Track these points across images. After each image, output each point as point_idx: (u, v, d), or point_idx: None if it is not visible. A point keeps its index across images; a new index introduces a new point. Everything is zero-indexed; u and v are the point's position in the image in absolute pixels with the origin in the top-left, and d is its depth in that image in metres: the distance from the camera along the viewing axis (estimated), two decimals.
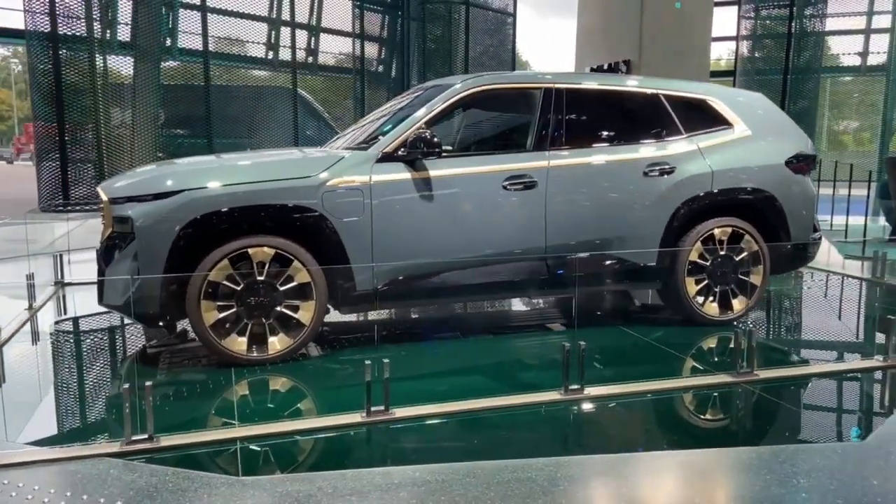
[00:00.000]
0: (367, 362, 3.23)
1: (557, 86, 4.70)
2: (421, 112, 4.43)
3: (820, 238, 5.38)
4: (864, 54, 13.67)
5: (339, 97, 12.63)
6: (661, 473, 2.80)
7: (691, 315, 4.93)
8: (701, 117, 5.03)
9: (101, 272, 4.13)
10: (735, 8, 11.53)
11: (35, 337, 4.86)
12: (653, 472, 2.82)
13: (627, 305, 5.86)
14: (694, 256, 4.86)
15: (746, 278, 4.99)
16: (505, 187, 4.44)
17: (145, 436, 2.95)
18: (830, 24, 11.38)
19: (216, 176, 4.06)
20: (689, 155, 4.87)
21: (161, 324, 4.40)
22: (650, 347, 4.56)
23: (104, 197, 4.09)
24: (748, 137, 5.05)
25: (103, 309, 4.32)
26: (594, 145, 4.74)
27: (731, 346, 4.53)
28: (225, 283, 3.95)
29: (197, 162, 4.40)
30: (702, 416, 3.58)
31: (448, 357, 4.47)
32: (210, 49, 9.90)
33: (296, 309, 4.10)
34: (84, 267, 7.06)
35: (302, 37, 11.78)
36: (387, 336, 4.85)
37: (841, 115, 15.72)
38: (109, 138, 8.19)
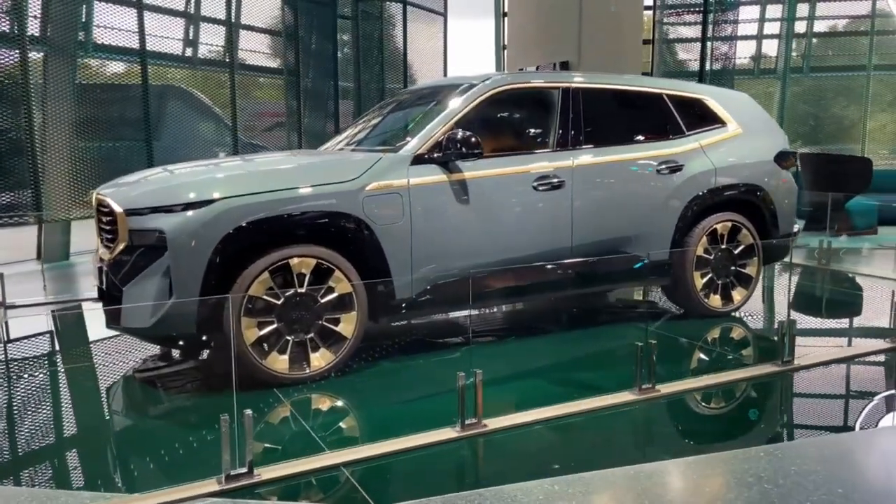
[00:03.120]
0: (461, 373, 3.08)
1: (577, 85, 4.70)
2: (447, 112, 4.29)
3: (799, 230, 5.70)
4: (756, 59, 14.72)
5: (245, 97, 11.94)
6: (801, 462, 2.83)
7: (697, 308, 5.07)
8: (698, 116, 5.19)
9: (113, 291, 3.70)
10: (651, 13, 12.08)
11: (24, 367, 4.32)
12: (790, 462, 2.85)
13: (613, 302, 5.95)
14: (699, 251, 5.00)
15: (744, 271, 5.21)
16: (535, 188, 4.39)
17: (244, 469, 2.67)
18: (741, 29, 12.17)
19: (252, 182, 3.75)
20: (693, 152, 5.01)
21: (182, 345, 4.05)
22: (679, 343, 4.65)
23: (117, 208, 3.66)
24: (740, 135, 5.27)
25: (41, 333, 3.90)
26: (612, 144, 4.77)
27: (771, 337, 4.71)
28: (265, 297, 3.66)
29: (225, 167, 4.08)
30: (777, 406, 3.69)
31: (489, 362, 4.33)
32: (121, 45, 9.14)
33: (336, 322, 3.86)
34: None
35: (219, 33, 11.10)
36: (414, 344, 4.66)
37: None
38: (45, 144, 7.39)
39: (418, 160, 4.10)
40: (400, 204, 3.98)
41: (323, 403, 3.63)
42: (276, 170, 4.08)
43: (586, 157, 4.60)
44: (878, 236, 9.44)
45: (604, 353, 4.58)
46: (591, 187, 4.60)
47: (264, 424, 3.33)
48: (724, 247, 5.10)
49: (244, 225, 3.58)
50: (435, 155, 4.11)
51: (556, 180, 4.44)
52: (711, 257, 5.06)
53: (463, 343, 4.73)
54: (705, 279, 5.06)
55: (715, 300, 5.12)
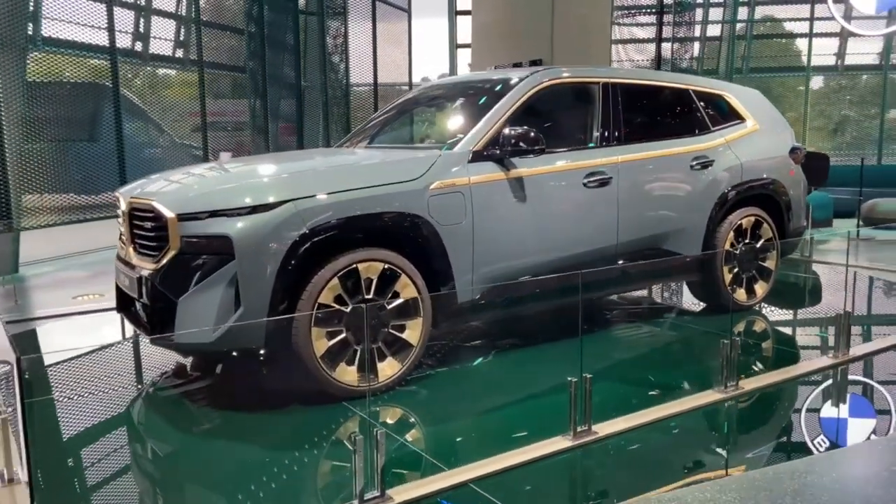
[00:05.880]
0: (573, 379, 2.95)
1: (618, 80, 4.64)
2: (498, 108, 4.14)
3: (807, 225, 5.84)
4: (700, 59, 15.20)
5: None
6: None
7: (726, 303, 5.10)
8: (721, 112, 5.23)
9: (159, 304, 3.37)
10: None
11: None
12: None
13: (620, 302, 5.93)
14: (726, 246, 5.04)
15: (764, 264, 5.28)
16: (585, 184, 4.30)
17: (377, 493, 2.46)
18: (696, 30, 12.52)
19: (319, 182, 3.50)
20: (720, 148, 5.04)
21: (246, 359, 3.74)
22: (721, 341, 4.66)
23: (168, 213, 3.33)
24: (758, 131, 5.34)
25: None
26: (650, 140, 4.74)
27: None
28: (334, 305, 3.42)
29: (280, 167, 3.83)
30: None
31: (543, 366, 4.21)
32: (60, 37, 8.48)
33: (402, 329, 3.65)
34: None
35: (170, 28, 10.48)
36: (456, 350, 4.48)
37: None
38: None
39: (476, 157, 3.94)
40: (462, 203, 3.81)
41: (403, 416, 3.42)
42: (339, 169, 3.83)
43: (629, 152, 4.55)
44: (832, 228, 9.87)
45: (654, 353, 4.55)
46: (636, 183, 4.55)
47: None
48: (747, 241, 5.16)
49: (314, 228, 3.34)
50: (494, 151, 3.96)
51: (603, 177, 4.37)
52: (737, 252, 5.11)
53: (495, 348, 4.59)
54: (732, 273, 5.11)
55: (741, 294, 5.17)
